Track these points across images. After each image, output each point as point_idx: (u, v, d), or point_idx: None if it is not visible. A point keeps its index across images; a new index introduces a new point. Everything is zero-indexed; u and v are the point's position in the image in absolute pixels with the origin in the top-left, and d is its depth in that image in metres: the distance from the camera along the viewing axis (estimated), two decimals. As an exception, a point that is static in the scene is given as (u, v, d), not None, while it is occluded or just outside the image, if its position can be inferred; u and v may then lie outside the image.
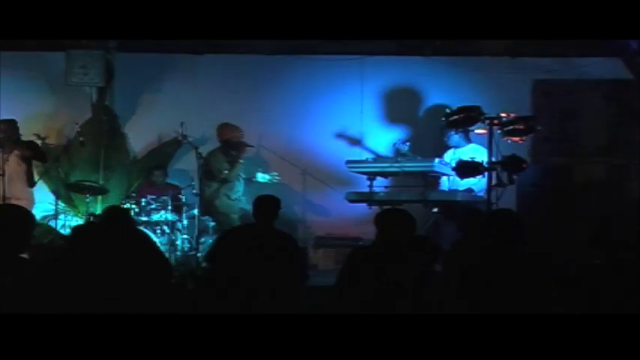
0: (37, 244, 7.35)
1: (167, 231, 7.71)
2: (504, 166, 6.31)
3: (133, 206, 7.75)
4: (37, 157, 7.46)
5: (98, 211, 8.15)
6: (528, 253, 4.18)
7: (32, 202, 7.37)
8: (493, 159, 6.30)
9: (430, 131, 8.21)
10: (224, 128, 8.11)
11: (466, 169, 6.49)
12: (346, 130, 8.73)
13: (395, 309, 4.07)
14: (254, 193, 7.03)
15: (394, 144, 7.77)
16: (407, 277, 4.23)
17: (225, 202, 7.97)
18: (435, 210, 7.22)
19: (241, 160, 8.04)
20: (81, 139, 8.08)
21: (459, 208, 7.00)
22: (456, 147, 7.50)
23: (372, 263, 4.34)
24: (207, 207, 7.87)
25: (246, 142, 8.09)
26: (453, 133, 7.42)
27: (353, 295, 4.31)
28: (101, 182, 8.40)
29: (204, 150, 8.01)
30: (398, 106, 8.83)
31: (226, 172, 7.94)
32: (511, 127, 6.35)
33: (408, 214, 4.51)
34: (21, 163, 7.26)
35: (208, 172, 7.90)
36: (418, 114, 8.72)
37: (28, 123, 7.94)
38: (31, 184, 7.38)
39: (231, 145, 8.02)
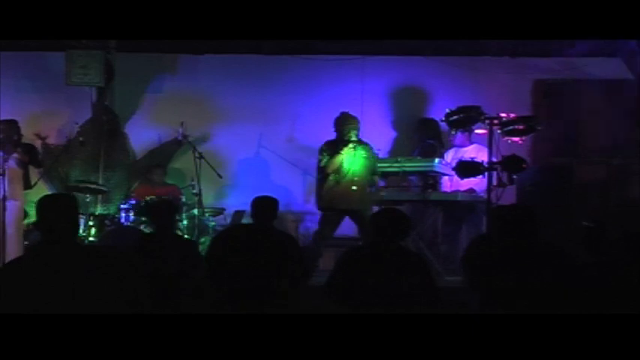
0: (33, 245, 7.39)
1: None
2: (504, 166, 6.32)
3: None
4: (33, 163, 7.37)
5: (98, 211, 8.15)
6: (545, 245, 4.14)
7: (24, 202, 7.34)
8: (493, 159, 6.31)
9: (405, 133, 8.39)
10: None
11: (466, 169, 6.49)
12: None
13: (387, 308, 4.05)
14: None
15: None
16: (397, 276, 4.21)
17: None
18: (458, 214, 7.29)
19: None
20: (81, 139, 8.08)
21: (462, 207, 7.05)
22: (459, 147, 7.51)
23: (365, 262, 4.33)
24: None
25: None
26: (456, 133, 7.43)
27: (345, 294, 4.30)
28: (101, 182, 8.40)
29: (204, 150, 8.01)
30: (398, 107, 8.83)
31: None
32: (511, 127, 6.35)
33: (401, 214, 4.52)
34: (19, 165, 7.23)
35: None
36: (418, 114, 8.72)
37: (28, 123, 7.94)
38: (28, 186, 7.34)
39: None
